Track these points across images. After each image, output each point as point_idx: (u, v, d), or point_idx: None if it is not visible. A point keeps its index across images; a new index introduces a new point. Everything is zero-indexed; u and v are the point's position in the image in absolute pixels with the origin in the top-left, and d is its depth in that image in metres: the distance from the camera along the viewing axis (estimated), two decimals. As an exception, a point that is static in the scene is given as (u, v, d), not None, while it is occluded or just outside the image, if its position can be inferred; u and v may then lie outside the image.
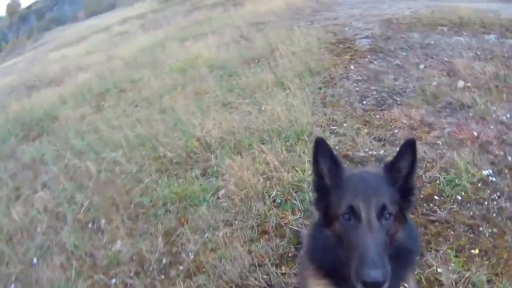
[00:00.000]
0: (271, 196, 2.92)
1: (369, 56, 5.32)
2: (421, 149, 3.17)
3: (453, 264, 2.24)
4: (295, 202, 2.82)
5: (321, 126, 3.72)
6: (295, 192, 2.89)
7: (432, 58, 5.13)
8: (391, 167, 1.38)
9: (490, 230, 2.46)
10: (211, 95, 5.27)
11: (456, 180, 2.82)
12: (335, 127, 3.72)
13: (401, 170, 1.37)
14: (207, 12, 13.15)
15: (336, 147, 3.37)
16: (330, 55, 5.47)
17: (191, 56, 7.19)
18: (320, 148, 1.38)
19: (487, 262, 2.24)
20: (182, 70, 6.64)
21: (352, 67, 5.03)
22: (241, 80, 5.36)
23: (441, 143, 3.32)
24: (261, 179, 3.06)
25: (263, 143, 3.53)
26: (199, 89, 5.63)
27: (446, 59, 5.05)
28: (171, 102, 5.35)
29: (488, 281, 2.13)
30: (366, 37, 6.07)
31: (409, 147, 1.36)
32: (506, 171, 2.95)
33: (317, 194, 1.43)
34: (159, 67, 7.44)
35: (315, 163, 1.40)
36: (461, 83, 4.35)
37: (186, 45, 8.27)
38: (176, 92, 5.76)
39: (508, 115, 3.68)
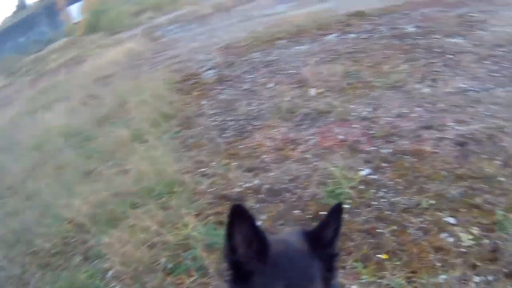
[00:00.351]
0: (161, 265, 2.76)
1: (217, 87, 5.43)
2: (292, 167, 3.18)
3: (364, 276, 2.13)
4: (187, 262, 2.67)
5: (190, 172, 3.66)
6: (184, 252, 2.76)
7: (279, 73, 5.25)
8: (315, 237, 1.21)
9: (389, 229, 2.39)
10: (71, 166, 4.95)
11: (337, 190, 2.76)
12: (204, 169, 3.67)
13: (326, 237, 1.22)
14: (52, 77, 12.22)
15: (211, 190, 3.32)
16: (180, 95, 5.49)
17: (44, 129, 6.65)
18: (238, 218, 1.08)
19: (398, 262, 2.16)
20: (38, 146, 6.09)
21: (204, 102, 5.11)
22: (98, 143, 5.14)
23: (310, 157, 3.30)
24: (146, 249, 2.91)
25: (136, 207, 3.40)
26: (58, 164, 5.22)
27: (292, 71, 5.14)
28: (35, 185, 4.85)
29: (408, 281, 2.05)
30: (210, 68, 6.25)
31: (336, 212, 1.22)
32: (383, 164, 2.95)
33: (232, 273, 1.16)
34: (15, 148, 6.66)
35: (229, 236, 1.11)
36: (313, 91, 4.42)
37: (38, 117, 7.59)
38: (37, 173, 5.25)
39: (368, 109, 3.77)
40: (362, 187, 2.79)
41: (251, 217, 1.10)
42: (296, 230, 1.31)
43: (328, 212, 1.22)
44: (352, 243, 2.37)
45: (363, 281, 2.11)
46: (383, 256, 2.22)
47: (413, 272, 2.08)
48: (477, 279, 2.02)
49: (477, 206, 2.46)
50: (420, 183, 2.73)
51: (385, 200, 2.62)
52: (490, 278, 2.01)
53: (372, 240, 2.35)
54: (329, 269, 1.22)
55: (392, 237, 2.32)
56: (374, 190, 2.72)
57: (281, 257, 1.13)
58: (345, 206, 2.57)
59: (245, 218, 1.09)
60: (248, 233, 1.10)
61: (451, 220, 2.40)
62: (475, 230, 2.28)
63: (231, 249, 1.13)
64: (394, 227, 2.38)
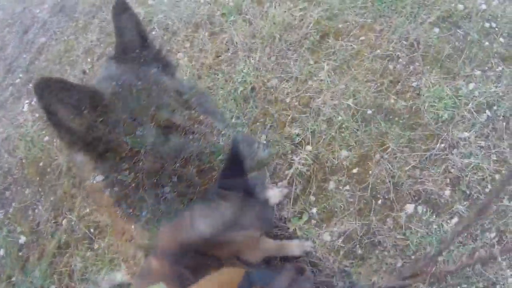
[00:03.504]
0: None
1: None
2: None
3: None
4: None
5: None
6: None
7: None
8: (126, 52, 1.06)
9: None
10: None
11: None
12: None
13: (135, 45, 1.07)
14: None
15: None
16: None
17: None
18: (49, 90, 0.85)
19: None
20: None
21: None
22: None
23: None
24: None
25: None
26: None
27: None
28: None
29: None
30: None
31: (123, 11, 1.04)
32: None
33: (84, 153, 0.96)
34: None
35: (51, 116, 0.88)
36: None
37: None
38: None
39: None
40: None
41: (60, 80, 0.87)
42: (105, 62, 1.13)
43: (113, 18, 1.03)
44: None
45: None
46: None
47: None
48: None
49: None
50: None
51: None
52: None
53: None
54: (165, 65, 1.11)
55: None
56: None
57: (118, 93, 0.96)
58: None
59: (54, 86, 0.86)
60: (70, 98, 0.88)
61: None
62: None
63: (67, 131, 0.91)
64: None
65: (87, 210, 2.62)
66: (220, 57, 2.52)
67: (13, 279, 2.69)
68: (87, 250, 2.51)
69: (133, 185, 0.99)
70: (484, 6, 2.60)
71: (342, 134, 2.27)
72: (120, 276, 2.18)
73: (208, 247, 1.38)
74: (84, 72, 2.85)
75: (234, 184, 1.24)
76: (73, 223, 2.64)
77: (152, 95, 0.96)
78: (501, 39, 2.51)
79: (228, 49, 2.53)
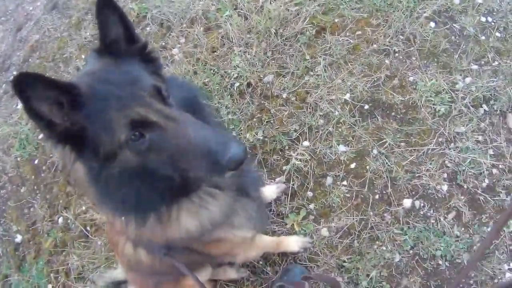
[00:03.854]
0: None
1: None
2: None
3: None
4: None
5: None
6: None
7: None
8: (109, 46, 1.04)
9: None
10: None
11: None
12: None
13: (119, 38, 1.05)
14: None
15: None
16: None
17: None
18: (26, 85, 0.87)
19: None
20: None
21: None
22: None
23: None
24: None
25: None
26: None
27: None
28: None
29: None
30: None
31: (107, 6, 1.02)
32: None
33: (64, 146, 0.97)
34: None
35: (30, 110, 0.90)
36: None
37: None
38: None
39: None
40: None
41: (38, 76, 0.89)
42: (89, 55, 1.14)
43: (96, 12, 1.02)
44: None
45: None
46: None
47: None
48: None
49: None
50: None
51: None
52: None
53: None
54: (149, 61, 1.10)
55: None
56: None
57: (97, 87, 0.97)
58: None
59: (33, 82, 0.88)
60: (48, 94, 0.91)
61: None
62: None
63: (47, 126, 0.93)
64: None
65: (83, 208, 2.61)
66: (215, 53, 2.50)
67: (10, 278, 2.68)
68: (84, 248, 2.49)
69: (117, 179, 1.00)
70: (480, 0, 2.60)
71: (339, 129, 2.26)
72: (116, 273, 2.16)
73: (198, 244, 1.38)
74: (78, 69, 2.82)
75: (227, 182, 1.23)
76: (69, 221, 2.63)
77: (128, 90, 0.96)
78: (497, 33, 2.51)
79: (224, 44, 2.50)
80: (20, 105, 3.04)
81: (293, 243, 2.08)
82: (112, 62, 1.04)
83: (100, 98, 0.95)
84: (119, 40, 1.06)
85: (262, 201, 1.72)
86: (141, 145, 0.96)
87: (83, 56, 2.88)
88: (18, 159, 2.97)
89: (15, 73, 3.23)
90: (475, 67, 2.40)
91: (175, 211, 1.16)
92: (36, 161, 2.88)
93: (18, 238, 2.79)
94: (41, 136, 2.92)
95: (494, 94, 2.31)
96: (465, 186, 2.13)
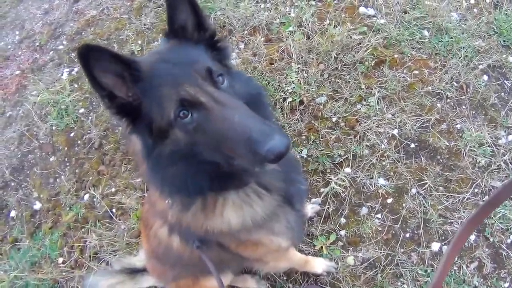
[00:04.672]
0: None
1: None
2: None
3: None
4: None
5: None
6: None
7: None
8: (177, 28, 1.08)
9: None
10: None
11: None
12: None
13: (187, 24, 1.09)
14: None
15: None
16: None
17: None
18: (92, 57, 0.92)
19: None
20: None
21: None
22: None
23: None
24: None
25: None
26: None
27: None
28: None
29: None
30: None
31: None
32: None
33: (121, 117, 1.01)
34: None
35: (93, 80, 0.95)
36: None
37: None
38: None
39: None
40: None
41: (105, 49, 0.94)
42: (161, 39, 1.19)
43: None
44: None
45: None
46: None
47: None
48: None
49: None
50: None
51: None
52: None
53: None
54: (218, 50, 1.14)
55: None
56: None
57: (155, 63, 1.02)
58: None
59: (99, 53, 0.93)
60: (112, 67, 0.96)
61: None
62: None
63: (103, 93, 0.97)
64: None
65: (112, 189, 2.62)
66: (273, 65, 2.53)
67: (20, 243, 2.67)
68: (105, 229, 2.50)
69: (168, 158, 1.03)
70: (536, 60, 2.65)
71: (383, 163, 2.29)
72: (135, 260, 2.16)
73: (233, 242, 1.39)
74: (132, 53, 2.84)
75: (275, 186, 1.26)
76: (95, 199, 2.64)
77: (183, 69, 1.00)
78: (546, 96, 2.55)
79: (283, 58, 2.54)
80: (65, 76, 3.07)
81: (318, 264, 2.10)
82: (176, 45, 1.09)
83: (157, 75, 0.99)
84: (187, 26, 1.10)
85: (303, 215, 1.74)
86: (188, 124, 0.97)
87: (139, 42, 2.91)
88: (53, 127, 2.99)
89: (65, 43, 3.26)
90: (519, 126, 2.44)
91: (220, 202, 1.19)
92: (72, 134, 2.89)
93: (37, 205, 2.79)
94: (81, 110, 2.94)
95: (533, 155, 2.35)
96: (491, 239, 2.16)
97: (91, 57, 0.91)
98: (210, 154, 1.00)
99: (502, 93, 2.52)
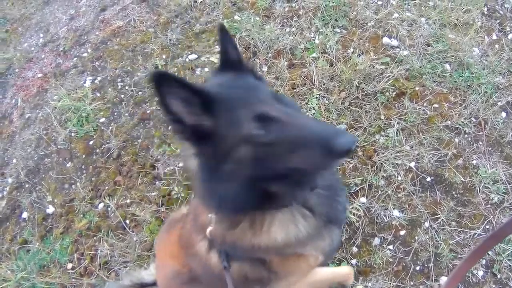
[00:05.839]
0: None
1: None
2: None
3: None
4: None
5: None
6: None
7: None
8: (234, 62, 1.20)
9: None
10: None
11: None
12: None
13: (236, 56, 1.22)
14: None
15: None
16: None
17: None
18: (164, 84, 0.98)
19: None
20: None
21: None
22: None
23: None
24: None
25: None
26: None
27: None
28: None
29: None
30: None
31: (223, 32, 1.22)
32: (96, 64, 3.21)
33: (187, 140, 1.07)
34: None
35: (167, 108, 1.01)
36: None
37: None
38: None
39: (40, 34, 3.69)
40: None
41: (175, 77, 0.99)
42: (212, 72, 1.30)
43: (220, 37, 1.20)
44: None
45: None
46: None
47: None
48: None
49: None
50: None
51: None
52: None
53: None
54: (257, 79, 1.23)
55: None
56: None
57: (226, 91, 1.09)
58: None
59: (169, 81, 0.98)
60: (182, 94, 1.01)
61: None
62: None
63: (176, 121, 1.03)
64: None
65: (128, 201, 2.65)
66: (295, 89, 2.57)
67: (30, 245, 2.70)
68: (118, 240, 2.52)
69: (227, 175, 1.08)
70: None
71: (398, 195, 2.31)
72: (145, 274, 2.18)
73: (277, 258, 1.43)
74: (156, 67, 2.89)
75: (319, 208, 1.32)
76: (109, 208, 2.67)
77: (250, 93, 1.10)
78: None
79: (305, 84, 2.58)
80: (88, 84, 3.13)
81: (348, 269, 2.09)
82: (234, 75, 1.19)
83: (228, 99, 1.06)
84: (236, 61, 1.21)
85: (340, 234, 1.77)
86: (263, 137, 1.02)
87: (163, 56, 2.96)
88: (73, 134, 3.03)
89: (89, 50, 3.32)
90: (533, 164, 2.45)
91: (268, 219, 1.26)
92: (91, 142, 2.94)
93: (50, 209, 2.82)
94: (102, 120, 2.98)
95: (546, 195, 2.36)
96: (499, 276, 2.17)
97: (163, 84, 0.97)
98: (275, 165, 1.05)
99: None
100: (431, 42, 2.66)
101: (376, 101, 2.49)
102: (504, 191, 2.34)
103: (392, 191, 2.30)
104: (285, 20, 2.80)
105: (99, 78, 3.12)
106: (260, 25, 2.84)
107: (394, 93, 2.50)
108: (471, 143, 2.47)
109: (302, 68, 2.62)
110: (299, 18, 2.77)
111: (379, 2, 2.81)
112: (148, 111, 2.83)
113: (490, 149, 2.46)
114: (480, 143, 2.48)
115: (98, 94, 3.04)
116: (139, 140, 2.77)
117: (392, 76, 2.51)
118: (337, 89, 2.50)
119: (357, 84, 2.50)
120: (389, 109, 2.49)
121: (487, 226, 2.29)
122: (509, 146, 2.48)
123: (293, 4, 2.83)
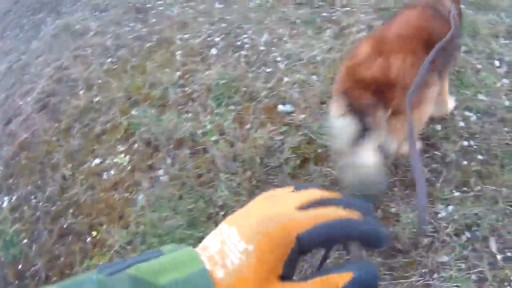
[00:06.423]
0: None
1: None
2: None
3: None
4: None
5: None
6: None
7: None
8: None
9: None
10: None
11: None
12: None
13: None
14: None
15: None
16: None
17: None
18: None
19: None
20: None
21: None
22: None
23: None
24: None
25: None
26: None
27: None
28: None
29: None
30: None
31: None
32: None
33: None
34: None
35: None
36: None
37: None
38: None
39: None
40: None
41: None
42: None
43: None
44: None
45: None
46: None
47: None
48: None
49: None
50: None
51: None
52: None
53: None
54: None
55: None
56: None
57: None
58: None
59: None
60: None
61: None
62: None
63: None
64: None
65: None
66: (201, 178, 2.51)
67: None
68: None
69: None
70: (462, 124, 2.66)
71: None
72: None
73: None
74: (64, 178, 2.81)
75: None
76: None
77: None
78: (479, 156, 2.55)
79: (210, 169, 2.52)
80: (5, 204, 3.02)
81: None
82: None
83: None
84: None
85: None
86: None
87: (69, 165, 2.88)
88: (2, 259, 2.93)
89: (1, 168, 3.21)
90: (457, 194, 2.42)
91: None
92: (19, 266, 2.83)
93: None
94: (25, 241, 2.88)
95: (476, 221, 2.34)
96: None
97: None
98: None
99: (433, 165, 2.52)
100: (325, 99, 2.63)
101: (282, 172, 2.45)
102: (432, 231, 2.31)
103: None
104: (180, 107, 2.74)
105: (15, 197, 3.02)
106: (157, 116, 2.77)
107: (299, 160, 2.46)
108: (386, 191, 2.44)
109: (205, 153, 2.57)
110: (193, 101, 2.71)
111: (268, 70, 2.78)
112: (65, 226, 2.74)
113: (407, 192, 2.43)
114: (396, 188, 2.45)
115: (17, 214, 2.94)
116: (62, 259, 2.68)
117: (293, 144, 2.47)
118: (241, 169, 2.45)
119: (260, 160, 2.45)
120: (297, 178, 2.44)
121: (423, 270, 2.25)
122: (426, 184, 2.45)
123: (186, 89, 2.77)
